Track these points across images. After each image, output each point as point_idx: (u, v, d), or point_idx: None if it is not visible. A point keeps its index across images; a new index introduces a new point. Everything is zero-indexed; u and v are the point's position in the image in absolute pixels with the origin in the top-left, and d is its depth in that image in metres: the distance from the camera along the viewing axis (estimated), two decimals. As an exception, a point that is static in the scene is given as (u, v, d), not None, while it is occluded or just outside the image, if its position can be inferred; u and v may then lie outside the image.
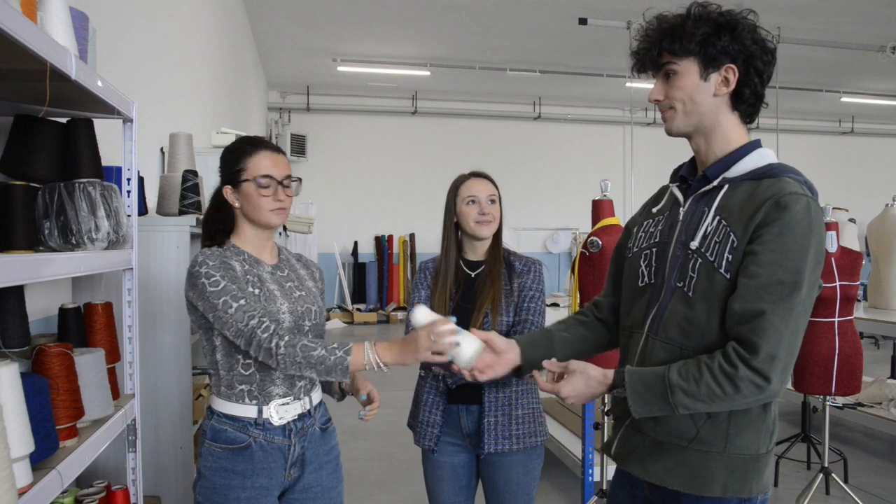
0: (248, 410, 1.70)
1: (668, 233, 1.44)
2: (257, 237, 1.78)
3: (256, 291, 1.69)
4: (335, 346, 1.57)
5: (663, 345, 1.38)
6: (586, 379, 1.40)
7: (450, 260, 2.15)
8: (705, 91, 1.37)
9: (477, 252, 2.17)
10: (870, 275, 5.10)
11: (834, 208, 3.76)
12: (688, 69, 1.37)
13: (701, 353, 1.32)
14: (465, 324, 2.10)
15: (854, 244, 5.04)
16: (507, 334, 2.06)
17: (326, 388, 1.92)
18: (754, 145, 1.40)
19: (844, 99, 10.95)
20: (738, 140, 1.40)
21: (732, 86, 1.36)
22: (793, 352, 1.27)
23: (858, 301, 4.53)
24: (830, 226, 3.52)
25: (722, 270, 1.30)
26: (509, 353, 1.60)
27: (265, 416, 1.70)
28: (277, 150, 1.77)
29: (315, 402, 1.80)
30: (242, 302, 1.60)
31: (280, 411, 1.71)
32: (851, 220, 6.89)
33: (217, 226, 1.78)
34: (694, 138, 1.43)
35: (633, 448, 1.44)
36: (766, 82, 1.39)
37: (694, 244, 1.36)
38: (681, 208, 1.43)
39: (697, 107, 1.38)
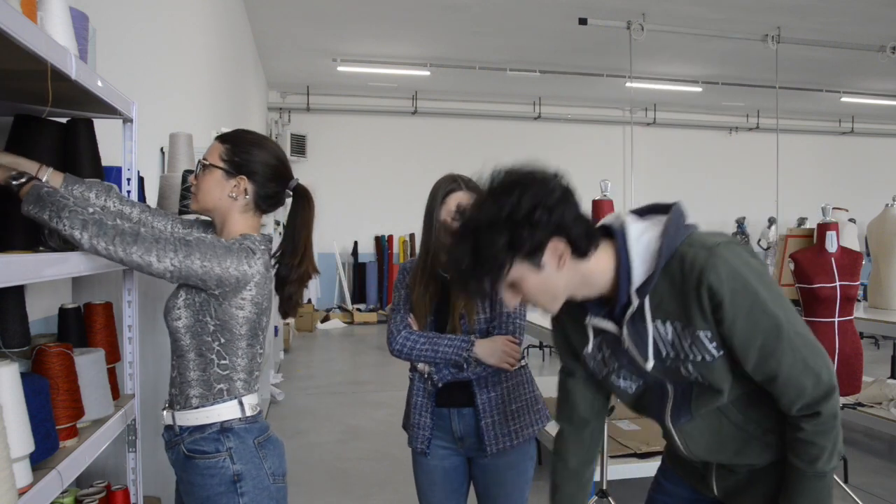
0: None
1: (625, 355, 1.36)
2: None
3: None
4: None
5: (698, 423, 1.38)
6: None
7: (428, 264, 2.06)
8: (551, 276, 1.28)
9: None
10: (870, 275, 5.10)
11: (834, 208, 3.75)
12: (520, 273, 1.27)
13: (731, 407, 1.33)
14: (442, 326, 2.07)
15: (854, 244, 5.03)
16: (486, 332, 2.03)
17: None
18: (622, 250, 1.30)
19: (844, 99, 10.95)
20: (606, 265, 1.31)
21: (567, 255, 1.27)
22: (818, 352, 1.26)
23: (858, 301, 4.52)
24: (831, 226, 3.52)
25: (714, 355, 1.27)
26: None
27: None
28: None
29: (183, 422, 1.61)
30: None
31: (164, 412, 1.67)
32: (851, 220, 6.88)
33: None
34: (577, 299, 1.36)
35: (735, 486, 1.44)
36: (590, 223, 1.31)
37: (665, 352, 1.30)
38: (621, 336, 1.35)
39: (550, 288, 1.29)
